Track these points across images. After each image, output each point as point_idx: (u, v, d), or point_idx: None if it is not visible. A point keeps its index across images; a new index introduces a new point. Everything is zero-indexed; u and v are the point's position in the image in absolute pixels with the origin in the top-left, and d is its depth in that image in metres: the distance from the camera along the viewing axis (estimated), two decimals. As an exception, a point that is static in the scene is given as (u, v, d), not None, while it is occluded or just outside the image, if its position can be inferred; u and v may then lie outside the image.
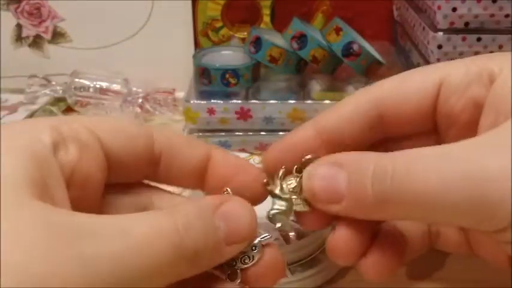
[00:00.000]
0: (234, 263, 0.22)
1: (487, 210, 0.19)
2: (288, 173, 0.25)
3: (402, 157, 0.21)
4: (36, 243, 0.16)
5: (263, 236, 0.23)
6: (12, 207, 0.17)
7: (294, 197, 0.24)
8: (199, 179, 0.25)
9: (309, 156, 0.24)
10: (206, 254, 0.20)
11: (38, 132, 0.20)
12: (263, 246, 0.23)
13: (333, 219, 0.25)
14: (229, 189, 0.24)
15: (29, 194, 0.17)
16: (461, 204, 0.19)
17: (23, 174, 0.18)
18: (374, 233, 0.25)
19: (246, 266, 0.23)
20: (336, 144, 0.25)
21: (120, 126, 0.23)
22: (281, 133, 0.50)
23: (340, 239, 0.24)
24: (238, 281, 0.22)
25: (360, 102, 0.25)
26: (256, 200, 0.25)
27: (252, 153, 0.50)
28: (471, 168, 0.19)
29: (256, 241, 0.23)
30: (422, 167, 0.20)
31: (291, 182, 0.25)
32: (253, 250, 0.23)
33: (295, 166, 0.24)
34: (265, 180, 0.25)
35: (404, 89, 0.25)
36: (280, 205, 0.25)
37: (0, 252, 0.15)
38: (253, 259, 0.23)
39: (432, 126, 0.25)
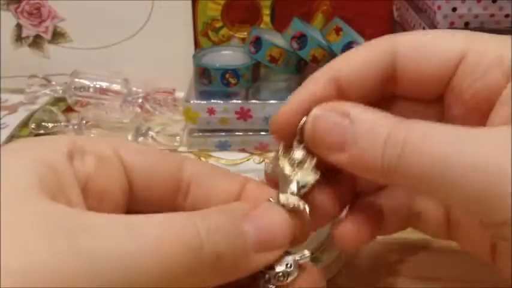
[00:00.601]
0: (268, 280, 0.21)
1: (492, 200, 0.19)
2: (286, 149, 0.24)
3: (416, 129, 0.20)
4: (37, 239, 0.16)
5: (301, 254, 0.22)
6: (17, 204, 0.17)
7: (302, 168, 0.23)
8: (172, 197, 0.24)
9: (305, 119, 0.23)
10: (231, 260, 0.19)
11: (56, 143, 0.20)
12: (300, 265, 0.21)
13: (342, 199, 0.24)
14: (272, 199, 0.22)
15: (37, 193, 0.17)
16: (465, 190, 0.19)
17: (34, 177, 0.18)
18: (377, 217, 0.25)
19: (280, 283, 0.21)
20: (347, 94, 0.24)
21: (145, 149, 0.23)
22: (281, 133, 0.50)
23: (348, 231, 0.24)
24: None
25: (379, 49, 0.25)
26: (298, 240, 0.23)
27: (252, 153, 0.50)
28: (483, 158, 0.19)
29: (290, 259, 0.21)
30: (436, 144, 0.20)
31: (292, 157, 0.23)
32: (287, 267, 0.21)
33: (296, 138, 0.23)
34: (265, 165, 0.24)
35: (426, 51, 0.24)
36: (287, 185, 0.23)
37: (1, 251, 0.15)
38: (288, 277, 0.21)
39: (440, 96, 0.24)
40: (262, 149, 0.51)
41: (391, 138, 0.20)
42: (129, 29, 0.60)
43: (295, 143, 0.24)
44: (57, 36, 0.61)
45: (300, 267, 0.22)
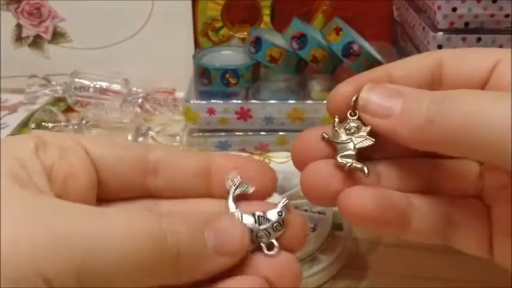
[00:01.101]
0: (268, 234, 0.23)
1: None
2: (341, 121, 0.27)
3: (463, 90, 0.24)
4: (10, 219, 0.17)
5: (282, 201, 0.24)
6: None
7: (357, 135, 0.26)
8: (204, 185, 0.25)
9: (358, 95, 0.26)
10: (192, 257, 0.20)
11: (24, 139, 0.23)
12: (286, 208, 0.24)
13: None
14: (233, 176, 0.25)
15: (10, 182, 0.19)
16: (502, 135, 0.21)
17: (5, 170, 0.20)
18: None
19: (280, 232, 0.24)
20: None
21: (109, 139, 0.25)
22: (281, 133, 0.50)
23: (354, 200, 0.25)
24: (277, 250, 0.23)
25: (429, 57, 0.28)
26: (265, 193, 0.26)
27: (252, 153, 0.50)
28: (503, 113, 0.21)
29: (279, 207, 0.24)
30: (480, 98, 0.22)
31: (348, 126, 0.27)
32: (280, 215, 0.24)
33: (349, 111, 0.27)
34: (322, 134, 0.27)
35: (466, 61, 0.27)
36: (344, 149, 0.26)
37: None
38: (283, 223, 0.24)
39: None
40: (262, 149, 0.51)
41: (436, 96, 0.23)
42: (129, 29, 0.60)
43: (349, 115, 0.27)
44: (57, 36, 0.61)
45: (286, 210, 0.24)
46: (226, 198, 0.24)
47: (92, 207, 0.19)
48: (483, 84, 0.26)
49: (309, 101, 0.50)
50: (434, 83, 0.27)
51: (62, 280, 0.17)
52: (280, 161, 0.49)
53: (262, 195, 0.25)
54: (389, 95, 0.25)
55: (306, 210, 0.38)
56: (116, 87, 0.57)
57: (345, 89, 0.27)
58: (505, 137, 0.21)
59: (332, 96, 0.28)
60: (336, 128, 0.27)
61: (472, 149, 0.22)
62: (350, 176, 0.26)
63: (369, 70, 0.29)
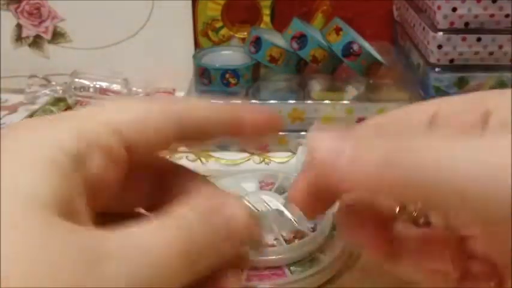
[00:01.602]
0: None
1: (492, 198, 0.18)
2: None
3: (415, 138, 0.21)
4: (59, 267, 0.16)
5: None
6: (39, 228, 0.17)
7: None
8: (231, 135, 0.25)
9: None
10: (207, 258, 0.20)
11: (61, 139, 0.19)
12: None
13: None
14: None
15: (54, 213, 0.17)
16: (470, 184, 0.19)
17: (48, 191, 0.17)
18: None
19: None
20: None
21: (148, 119, 0.22)
22: (281, 133, 0.50)
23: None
24: None
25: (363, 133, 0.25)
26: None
27: (252, 153, 0.50)
28: (486, 152, 0.19)
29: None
30: (439, 143, 0.20)
31: None
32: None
33: None
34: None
35: (400, 121, 0.25)
36: None
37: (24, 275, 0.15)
38: None
39: None
40: (262, 149, 0.51)
41: (388, 143, 0.20)
42: (129, 29, 0.60)
43: None
44: (57, 36, 0.61)
45: None
46: None
47: (130, 239, 0.18)
48: None
49: (309, 101, 0.50)
50: None
51: None
52: (280, 161, 0.49)
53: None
54: (339, 136, 0.22)
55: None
56: (115, 87, 0.57)
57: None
58: (466, 187, 0.19)
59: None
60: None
61: (430, 200, 0.21)
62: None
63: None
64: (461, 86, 0.51)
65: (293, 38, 0.51)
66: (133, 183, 0.24)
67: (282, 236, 0.35)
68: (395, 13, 0.65)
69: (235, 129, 0.25)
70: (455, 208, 0.20)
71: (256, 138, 0.26)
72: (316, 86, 0.53)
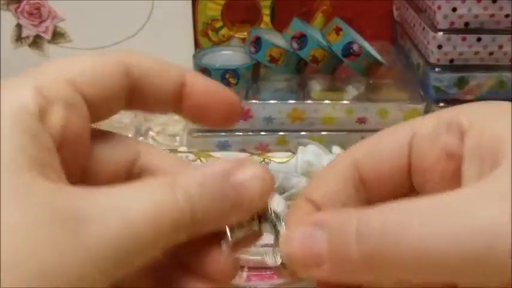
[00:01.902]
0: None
1: (496, 265, 0.18)
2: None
3: (393, 211, 0.19)
4: (41, 232, 0.16)
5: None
6: (10, 189, 0.17)
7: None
8: (175, 103, 0.24)
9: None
10: (208, 224, 0.20)
11: (22, 97, 0.19)
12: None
13: None
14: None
15: (32, 174, 0.17)
16: (466, 259, 0.18)
17: (22, 154, 0.17)
18: None
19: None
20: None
21: (97, 69, 0.22)
22: (281, 133, 0.50)
23: None
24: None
25: (341, 167, 0.25)
26: (230, 120, 0.24)
27: (252, 153, 0.50)
28: (476, 220, 0.18)
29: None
30: (420, 220, 0.19)
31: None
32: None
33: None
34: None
35: (378, 149, 0.24)
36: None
37: (1, 243, 0.15)
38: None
39: (410, 185, 0.24)
40: (262, 149, 0.51)
41: (363, 227, 0.19)
42: (129, 29, 0.60)
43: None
44: (57, 36, 0.61)
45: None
46: None
47: (112, 200, 0.18)
48: (406, 171, 0.23)
49: (309, 101, 0.50)
50: (358, 190, 0.24)
51: (91, 282, 0.17)
52: (280, 161, 0.49)
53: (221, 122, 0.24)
54: (312, 232, 0.21)
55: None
56: (115, 87, 0.57)
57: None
58: (460, 263, 0.18)
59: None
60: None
61: (422, 279, 0.19)
62: None
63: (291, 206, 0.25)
64: (461, 86, 0.51)
65: (293, 38, 0.51)
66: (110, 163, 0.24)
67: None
68: (395, 13, 0.65)
69: (177, 93, 0.24)
70: (449, 279, 0.19)
71: (202, 117, 0.24)
72: (316, 86, 0.53)
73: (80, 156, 0.21)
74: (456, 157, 0.22)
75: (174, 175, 0.20)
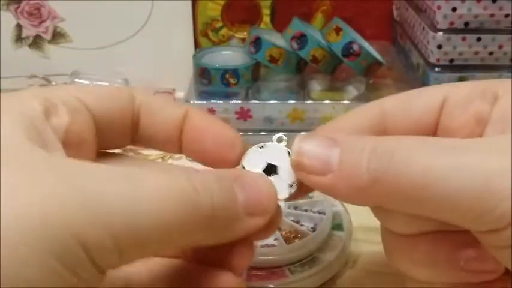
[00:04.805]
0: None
1: (488, 204, 0.18)
2: None
3: (407, 140, 0.21)
4: (38, 184, 0.16)
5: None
6: (12, 152, 0.17)
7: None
8: (177, 140, 0.25)
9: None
10: (224, 218, 0.20)
11: (28, 100, 0.20)
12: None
13: None
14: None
15: (28, 142, 0.18)
16: (462, 194, 0.19)
17: (22, 133, 0.18)
18: None
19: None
20: None
21: (102, 90, 0.24)
22: (281, 133, 0.50)
23: None
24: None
25: (368, 113, 0.25)
26: (231, 163, 0.24)
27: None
28: (479, 162, 0.19)
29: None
30: (430, 148, 0.20)
31: None
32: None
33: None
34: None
35: (408, 105, 0.25)
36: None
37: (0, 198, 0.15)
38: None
39: None
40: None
41: (377, 149, 0.20)
42: (129, 29, 0.60)
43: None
44: (57, 36, 0.61)
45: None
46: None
47: (121, 168, 0.18)
48: (433, 130, 0.24)
49: (309, 101, 0.50)
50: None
51: (99, 245, 0.16)
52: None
53: (221, 163, 0.24)
54: (324, 146, 0.21)
55: (305, 210, 0.38)
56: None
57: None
58: (458, 200, 0.19)
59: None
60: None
61: (421, 209, 0.20)
62: None
63: (317, 128, 0.26)
64: (461, 86, 0.51)
65: (293, 38, 0.51)
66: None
67: (282, 235, 0.35)
68: (395, 13, 0.65)
69: (179, 127, 0.24)
70: (447, 215, 0.20)
71: (198, 153, 0.25)
72: (316, 86, 0.53)
73: (89, 156, 0.22)
74: (484, 122, 0.22)
75: (187, 170, 0.20)
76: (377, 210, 0.24)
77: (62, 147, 0.20)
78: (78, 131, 0.21)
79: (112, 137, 0.23)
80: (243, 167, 0.24)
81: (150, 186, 0.17)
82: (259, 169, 0.24)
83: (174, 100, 0.56)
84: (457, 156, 0.19)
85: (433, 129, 0.24)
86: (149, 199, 0.17)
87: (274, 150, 0.24)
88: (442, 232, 0.22)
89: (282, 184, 0.23)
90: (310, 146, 0.22)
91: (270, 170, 0.24)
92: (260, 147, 0.24)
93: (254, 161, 0.24)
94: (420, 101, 0.24)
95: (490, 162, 0.19)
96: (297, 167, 0.23)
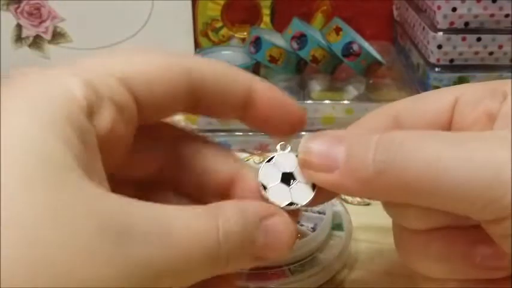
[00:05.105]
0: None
1: (497, 193, 0.19)
2: None
3: (414, 132, 0.21)
4: (82, 242, 0.15)
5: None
6: (64, 194, 0.15)
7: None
8: (240, 111, 0.24)
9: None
10: (236, 264, 0.20)
11: (69, 86, 0.17)
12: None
13: None
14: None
15: (78, 175, 0.16)
16: (471, 184, 0.19)
17: (67, 150, 0.16)
18: None
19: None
20: None
21: (154, 71, 0.20)
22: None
23: None
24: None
25: (380, 119, 0.25)
26: (293, 131, 0.25)
27: (252, 153, 0.50)
28: (488, 154, 0.19)
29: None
30: (436, 144, 0.20)
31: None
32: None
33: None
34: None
35: (420, 106, 0.25)
36: None
37: (41, 248, 0.14)
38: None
39: None
40: (262, 149, 0.51)
41: (384, 141, 0.20)
42: (129, 29, 0.60)
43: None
44: (57, 36, 0.61)
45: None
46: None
47: (156, 217, 0.17)
48: (446, 131, 0.24)
49: (309, 101, 0.50)
50: None
51: None
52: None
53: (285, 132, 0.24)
54: (331, 143, 0.21)
55: (305, 210, 0.38)
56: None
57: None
58: (467, 190, 0.19)
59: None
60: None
61: (429, 200, 0.20)
62: None
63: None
64: (461, 86, 0.51)
65: (293, 38, 0.51)
66: (143, 152, 0.23)
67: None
68: (395, 13, 0.65)
69: (244, 102, 0.23)
70: (454, 205, 0.20)
71: (266, 127, 0.25)
72: (316, 86, 0.53)
73: (116, 160, 0.20)
74: (494, 119, 0.22)
75: (218, 206, 0.20)
76: (388, 207, 0.24)
77: (100, 159, 0.18)
78: (119, 133, 0.19)
79: (156, 113, 0.21)
80: (262, 185, 0.24)
81: (179, 243, 0.17)
82: (277, 181, 0.24)
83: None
84: (466, 147, 0.19)
85: (446, 130, 0.24)
86: (177, 258, 0.17)
87: (283, 158, 0.24)
88: (455, 228, 0.22)
89: (304, 188, 0.23)
90: (317, 144, 0.22)
91: (287, 178, 0.24)
92: (269, 161, 0.24)
93: (270, 175, 0.24)
94: (432, 102, 0.25)
95: (499, 152, 0.19)
96: (304, 165, 0.23)
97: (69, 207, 0.15)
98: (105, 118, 0.18)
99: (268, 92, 0.24)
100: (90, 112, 0.17)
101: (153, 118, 0.22)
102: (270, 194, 0.23)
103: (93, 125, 0.17)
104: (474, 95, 0.24)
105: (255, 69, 0.53)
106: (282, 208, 0.23)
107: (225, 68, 0.23)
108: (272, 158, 0.24)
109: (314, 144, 0.22)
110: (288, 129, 0.25)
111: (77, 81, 0.17)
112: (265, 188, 0.23)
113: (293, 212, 0.23)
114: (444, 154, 0.19)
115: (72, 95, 0.17)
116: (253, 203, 0.22)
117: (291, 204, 0.23)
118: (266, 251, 0.21)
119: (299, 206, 0.23)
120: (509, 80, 0.24)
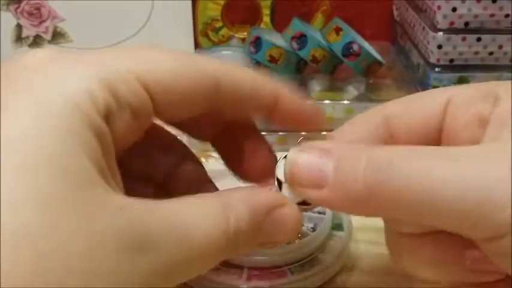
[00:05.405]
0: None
1: (488, 212, 0.18)
2: None
3: (403, 150, 0.20)
4: (107, 254, 0.15)
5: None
6: (86, 208, 0.15)
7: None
8: (263, 116, 0.25)
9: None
10: (243, 252, 0.21)
11: (87, 84, 0.16)
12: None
13: None
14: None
15: (98, 185, 0.15)
16: (461, 203, 0.19)
17: (87, 156, 0.15)
18: None
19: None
20: None
21: (181, 76, 0.20)
22: (281, 133, 0.50)
23: None
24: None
25: (371, 120, 0.25)
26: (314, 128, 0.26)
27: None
28: (479, 172, 0.19)
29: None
30: (426, 162, 0.19)
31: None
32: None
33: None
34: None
35: (412, 108, 0.25)
36: None
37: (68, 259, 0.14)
38: None
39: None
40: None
41: (373, 160, 0.20)
42: (129, 29, 0.60)
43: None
44: (57, 36, 0.61)
45: None
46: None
47: (173, 224, 0.18)
48: (438, 132, 0.24)
49: (309, 101, 0.50)
50: (387, 143, 0.24)
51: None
52: (280, 161, 0.49)
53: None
54: (319, 156, 0.21)
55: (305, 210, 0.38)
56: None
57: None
58: (458, 209, 0.19)
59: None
60: None
61: (420, 218, 0.20)
62: None
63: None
64: (461, 86, 0.51)
65: (293, 38, 0.51)
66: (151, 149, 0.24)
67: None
68: (395, 13, 0.65)
69: (270, 106, 0.24)
70: (444, 223, 0.20)
71: (289, 125, 0.26)
72: (316, 86, 0.53)
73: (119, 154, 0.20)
74: (486, 123, 0.22)
75: (226, 195, 0.20)
76: None
77: (115, 164, 0.18)
78: (132, 139, 0.19)
79: (172, 117, 0.21)
80: (277, 179, 0.24)
81: (195, 249, 0.18)
82: None
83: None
84: (456, 166, 0.19)
85: (438, 132, 0.24)
86: (193, 262, 0.18)
87: None
88: (447, 232, 0.22)
89: None
90: (304, 158, 0.21)
91: None
92: (286, 157, 0.24)
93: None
94: (424, 104, 0.24)
95: (490, 171, 0.19)
96: (292, 181, 0.22)
97: (92, 225, 0.15)
98: (123, 124, 0.18)
99: (291, 102, 0.25)
100: (108, 115, 0.17)
101: (169, 118, 0.22)
102: (285, 191, 0.23)
103: (111, 129, 0.17)
104: (466, 97, 0.23)
105: (255, 69, 0.53)
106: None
107: (252, 77, 0.23)
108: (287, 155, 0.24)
109: (301, 159, 0.21)
110: (308, 127, 0.26)
111: (95, 80, 0.17)
112: (280, 183, 0.23)
113: (304, 208, 0.23)
114: (434, 173, 0.19)
115: (89, 94, 0.16)
116: (263, 194, 0.22)
117: (304, 203, 0.23)
118: (273, 238, 0.22)
119: (311, 205, 0.23)
120: (502, 82, 0.24)
